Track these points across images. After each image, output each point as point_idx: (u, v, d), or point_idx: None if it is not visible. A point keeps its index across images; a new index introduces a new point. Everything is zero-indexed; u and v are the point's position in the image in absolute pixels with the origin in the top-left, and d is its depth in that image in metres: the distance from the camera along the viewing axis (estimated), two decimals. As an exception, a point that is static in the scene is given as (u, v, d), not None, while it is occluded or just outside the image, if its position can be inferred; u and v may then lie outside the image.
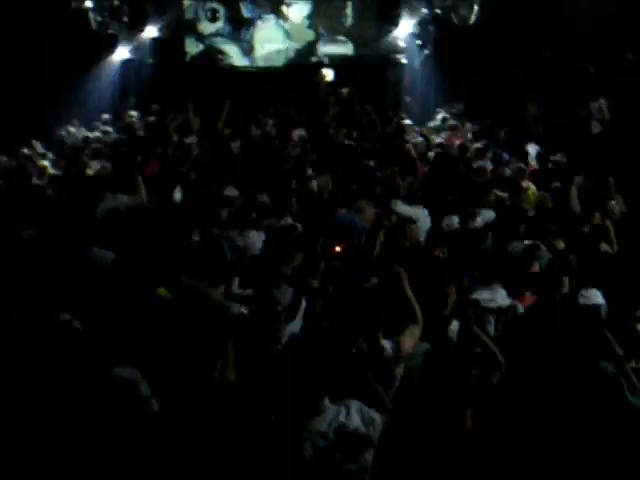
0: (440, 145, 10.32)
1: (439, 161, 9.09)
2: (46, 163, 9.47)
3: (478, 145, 9.95)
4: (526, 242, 5.98)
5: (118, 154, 9.65)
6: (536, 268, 5.73)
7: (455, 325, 4.46)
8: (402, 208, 6.97)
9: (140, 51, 14.15)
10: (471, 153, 9.64)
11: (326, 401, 3.51)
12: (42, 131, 11.10)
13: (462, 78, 13.11)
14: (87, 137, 11.07)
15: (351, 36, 14.96)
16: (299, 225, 6.21)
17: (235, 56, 14.99)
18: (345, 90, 13.33)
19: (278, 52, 14.99)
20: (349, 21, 15.00)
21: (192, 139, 9.92)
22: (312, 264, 5.29)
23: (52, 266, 5.12)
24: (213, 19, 14.61)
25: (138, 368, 3.80)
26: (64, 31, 12.39)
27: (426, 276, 4.82)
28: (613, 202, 7.26)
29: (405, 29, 14.24)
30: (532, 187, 7.97)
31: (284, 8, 14.91)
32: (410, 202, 7.22)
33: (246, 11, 14.93)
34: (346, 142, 10.09)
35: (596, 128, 10.24)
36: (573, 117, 10.73)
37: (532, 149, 9.70)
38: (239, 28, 14.90)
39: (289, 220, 6.53)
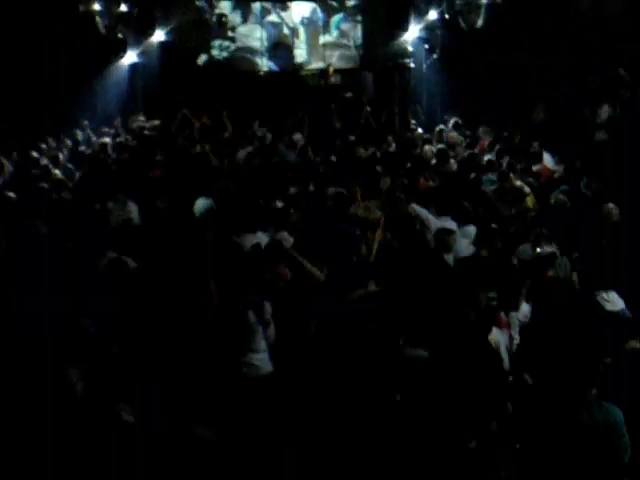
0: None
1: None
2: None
3: (490, 157, 9.77)
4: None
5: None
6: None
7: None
8: (432, 219, 6.65)
9: (148, 55, 14.19)
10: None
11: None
12: (51, 134, 11.19)
13: (470, 82, 13.07)
14: (105, 143, 10.99)
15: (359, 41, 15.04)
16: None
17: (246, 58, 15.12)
18: (349, 94, 13.31)
19: (286, 56, 15.08)
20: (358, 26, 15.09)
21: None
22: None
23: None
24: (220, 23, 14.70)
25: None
26: (72, 35, 12.46)
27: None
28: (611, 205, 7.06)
29: (413, 34, 14.24)
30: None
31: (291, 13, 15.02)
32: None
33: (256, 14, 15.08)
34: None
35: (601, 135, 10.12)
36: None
37: (547, 158, 9.56)
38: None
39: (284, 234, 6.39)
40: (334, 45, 15.15)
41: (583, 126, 10.30)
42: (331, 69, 14.63)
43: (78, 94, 12.32)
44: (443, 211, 6.85)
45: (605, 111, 10.13)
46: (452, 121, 12.51)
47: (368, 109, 11.59)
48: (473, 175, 8.61)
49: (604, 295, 5.02)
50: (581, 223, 6.83)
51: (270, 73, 15.07)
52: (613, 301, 4.98)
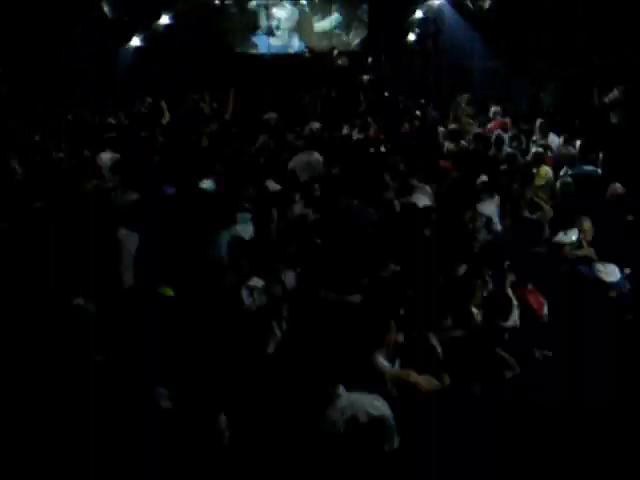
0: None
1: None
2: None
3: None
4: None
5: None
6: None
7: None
8: None
9: (154, 39, 14.11)
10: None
11: (340, 388, 3.43)
12: (54, 117, 11.16)
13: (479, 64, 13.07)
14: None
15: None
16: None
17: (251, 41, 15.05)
18: (365, 77, 13.23)
19: (291, 38, 15.03)
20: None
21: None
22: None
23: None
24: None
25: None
26: (79, 19, 12.41)
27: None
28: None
29: (419, 15, 14.20)
30: (549, 174, 7.87)
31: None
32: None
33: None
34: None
35: (614, 119, 10.06)
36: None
37: (554, 138, 9.53)
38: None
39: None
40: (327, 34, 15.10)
41: (595, 108, 10.25)
42: (335, 51, 14.54)
43: (81, 78, 12.30)
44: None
45: (616, 93, 10.07)
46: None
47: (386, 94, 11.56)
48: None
49: (600, 266, 5.03)
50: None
51: (273, 56, 14.98)
52: (609, 272, 4.96)
